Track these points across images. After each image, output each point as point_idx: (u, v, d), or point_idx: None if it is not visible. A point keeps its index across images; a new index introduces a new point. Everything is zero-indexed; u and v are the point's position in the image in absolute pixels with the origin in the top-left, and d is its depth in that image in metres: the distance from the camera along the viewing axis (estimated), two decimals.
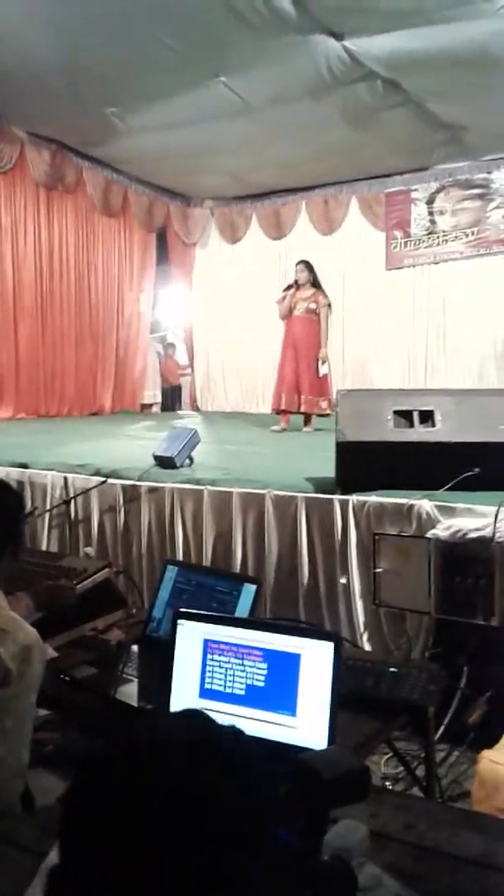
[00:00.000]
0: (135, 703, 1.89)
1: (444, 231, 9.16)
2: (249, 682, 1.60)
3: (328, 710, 1.51)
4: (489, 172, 8.79)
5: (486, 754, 2.38)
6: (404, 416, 3.46)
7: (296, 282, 7.02)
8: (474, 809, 2.22)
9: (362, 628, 3.38)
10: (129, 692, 1.95)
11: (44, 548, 4.12)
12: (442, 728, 2.86)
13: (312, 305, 6.94)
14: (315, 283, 7.04)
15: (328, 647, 1.54)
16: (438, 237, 9.20)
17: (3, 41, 5.89)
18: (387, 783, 2.76)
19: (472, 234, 8.98)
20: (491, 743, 2.48)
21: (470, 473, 3.16)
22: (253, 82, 6.52)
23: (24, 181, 8.35)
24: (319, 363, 6.88)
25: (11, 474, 4.25)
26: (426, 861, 1.30)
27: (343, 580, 3.44)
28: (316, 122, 7.28)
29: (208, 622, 1.67)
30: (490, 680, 2.96)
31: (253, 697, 1.59)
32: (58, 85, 6.67)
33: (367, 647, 3.31)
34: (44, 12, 5.56)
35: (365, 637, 3.37)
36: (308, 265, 7.08)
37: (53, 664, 1.92)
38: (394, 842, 1.33)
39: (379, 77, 6.39)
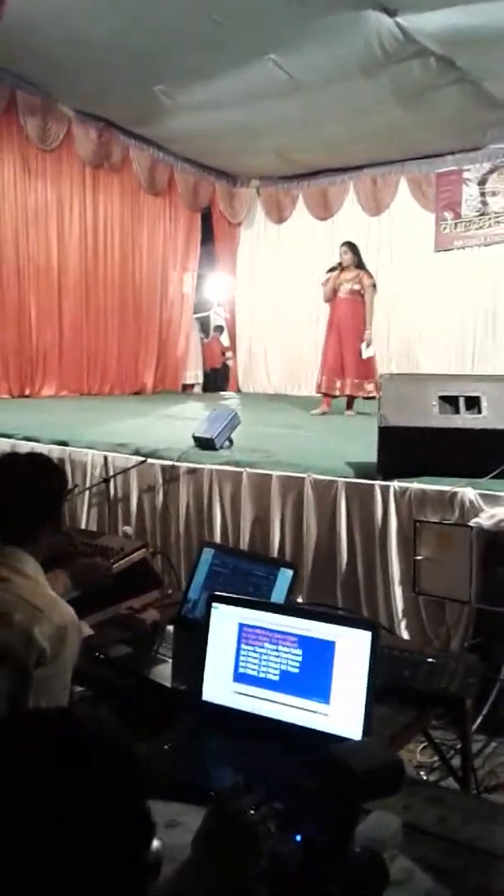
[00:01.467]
0: (168, 684, 1.88)
1: (495, 212, 8.95)
2: (283, 667, 1.58)
3: (363, 700, 1.49)
4: None
5: None
6: (449, 401, 3.39)
7: (339, 264, 6.93)
8: None
9: (400, 616, 3.34)
10: (163, 672, 1.95)
11: (83, 526, 4.15)
12: (479, 719, 2.83)
13: (357, 286, 6.84)
14: (360, 265, 6.94)
15: (365, 635, 1.51)
16: (490, 218, 9.00)
17: (51, 19, 5.88)
18: (421, 772, 2.74)
19: None
20: None
21: None
22: (303, 60, 6.43)
23: (71, 159, 8.38)
24: (364, 345, 6.78)
25: (53, 452, 4.28)
26: (459, 856, 1.28)
27: None
28: (367, 102, 7.16)
29: (243, 606, 1.66)
30: None
31: (286, 683, 1.58)
32: (106, 62, 6.65)
33: (405, 635, 3.28)
34: None
35: (403, 625, 3.34)
36: (352, 246, 6.98)
37: (88, 642, 1.92)
38: (427, 835, 1.31)
39: (432, 54, 6.25)
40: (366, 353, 6.78)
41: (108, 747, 0.82)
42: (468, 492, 3.12)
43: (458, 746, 2.42)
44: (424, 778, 2.65)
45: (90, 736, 0.83)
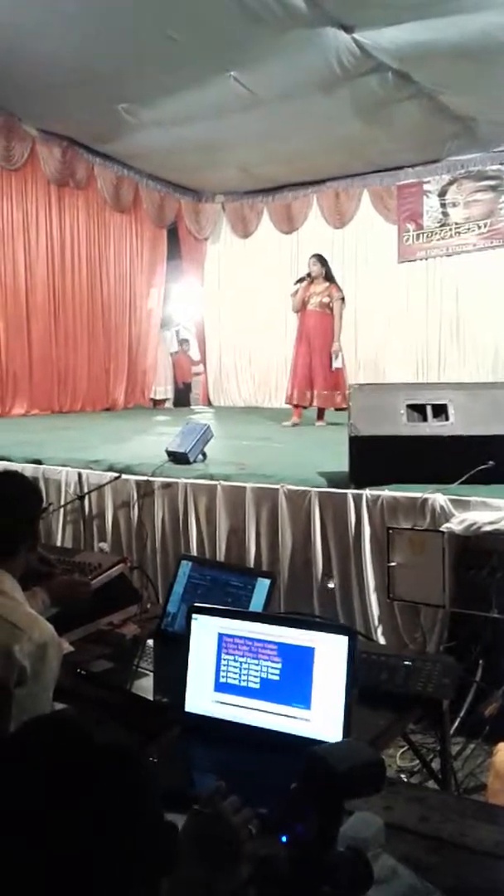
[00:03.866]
0: (150, 697, 1.90)
1: (456, 223, 9.11)
2: (264, 675, 1.61)
3: (343, 704, 1.52)
4: (501, 164, 8.73)
5: (502, 747, 2.38)
6: (417, 409, 3.45)
7: (308, 275, 7.01)
8: (490, 802, 2.22)
9: (376, 622, 3.38)
10: (145, 686, 1.96)
11: (58, 544, 4.14)
12: (457, 721, 2.87)
13: (326, 299, 6.92)
14: (328, 277, 7.02)
15: (342, 640, 1.55)
16: (451, 229, 9.15)
17: (13, 39, 5.91)
18: (402, 776, 2.77)
19: (485, 225, 8.93)
20: None
21: (484, 467, 3.16)
22: (263, 76, 6.51)
23: (36, 178, 8.36)
24: (333, 357, 6.86)
25: (26, 470, 4.27)
26: (441, 853, 1.30)
27: (331, 584, 3.45)
28: (327, 116, 7.26)
29: (223, 616, 1.68)
30: None
31: (268, 691, 1.60)
32: (68, 81, 6.66)
33: (382, 640, 3.32)
34: (54, 9, 5.56)
35: (379, 631, 3.38)
36: (321, 259, 7.06)
37: (69, 658, 1.93)
38: (409, 833, 1.34)
39: (389, 69, 6.36)
40: (335, 365, 6.86)
41: (115, 750, 0.83)
42: (438, 498, 3.18)
43: (438, 749, 2.45)
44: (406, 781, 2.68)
45: (94, 740, 0.83)
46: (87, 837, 0.73)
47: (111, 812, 0.76)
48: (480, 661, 2.99)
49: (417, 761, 2.71)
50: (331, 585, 3.45)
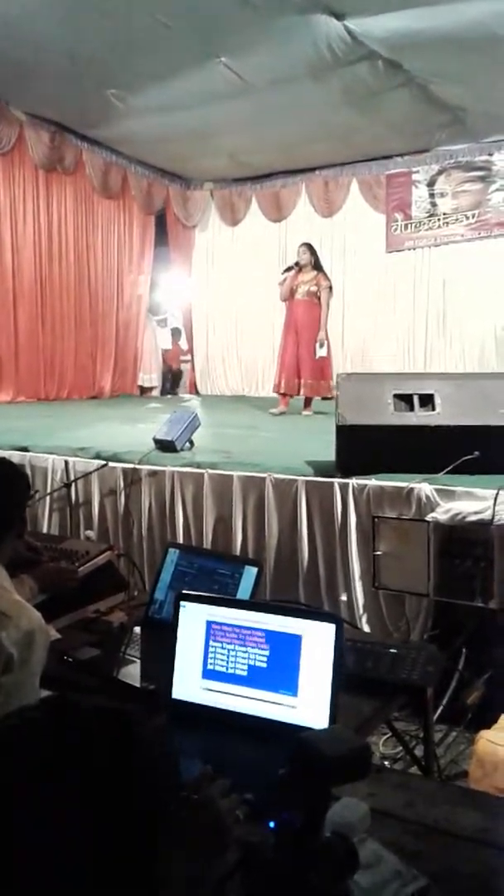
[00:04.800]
0: (137, 684, 1.90)
1: (444, 213, 9.12)
2: (252, 662, 1.62)
3: (329, 691, 1.53)
4: (490, 154, 8.75)
5: (485, 734, 2.41)
6: (404, 399, 3.46)
7: (297, 263, 7.01)
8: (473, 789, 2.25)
9: (361, 610, 3.40)
10: (132, 673, 1.97)
11: (44, 531, 4.13)
12: (440, 709, 2.90)
13: (314, 288, 6.92)
14: (317, 266, 7.02)
15: (330, 628, 1.56)
16: (439, 219, 9.16)
17: (1, 22, 5.83)
18: (385, 763, 2.79)
19: (473, 216, 8.95)
20: (489, 723, 2.51)
21: (469, 457, 3.18)
22: (253, 63, 6.48)
23: (24, 163, 8.30)
24: (317, 345, 6.87)
25: (13, 457, 4.25)
26: (426, 838, 1.32)
27: (343, 597, 3.44)
28: (316, 103, 7.24)
29: (211, 604, 1.69)
30: (488, 662, 2.99)
31: (255, 678, 1.61)
32: (57, 66, 6.61)
33: (367, 629, 3.34)
34: None
35: (364, 619, 3.40)
36: (310, 247, 7.06)
37: (56, 646, 1.93)
38: (394, 819, 1.35)
39: (380, 57, 6.34)
40: (319, 353, 6.87)
41: (114, 719, 0.84)
42: (424, 487, 3.19)
43: (421, 735, 2.48)
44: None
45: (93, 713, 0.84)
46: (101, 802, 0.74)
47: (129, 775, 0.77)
48: (463, 650, 3.01)
49: (400, 748, 2.74)
50: (343, 598, 3.46)
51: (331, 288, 7.03)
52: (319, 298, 6.94)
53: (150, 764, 0.81)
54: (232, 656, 1.63)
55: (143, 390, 10.60)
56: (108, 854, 0.74)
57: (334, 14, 5.71)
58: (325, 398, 6.82)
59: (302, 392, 6.92)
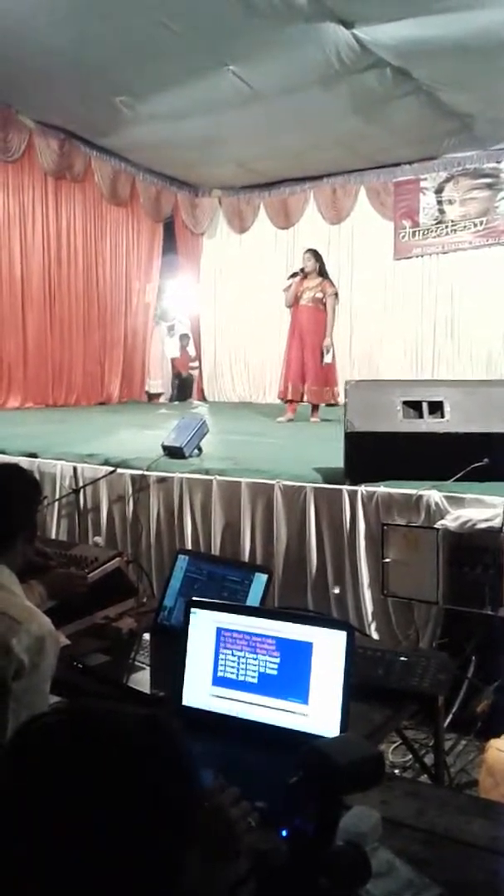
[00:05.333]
0: (147, 691, 1.90)
1: (452, 221, 9.12)
2: (262, 670, 1.61)
3: (340, 699, 1.53)
4: (498, 162, 8.75)
5: (494, 743, 2.39)
6: (413, 406, 3.46)
7: (302, 269, 7.01)
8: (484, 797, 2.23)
9: (370, 618, 3.39)
10: (142, 679, 1.97)
11: (53, 537, 4.13)
12: (450, 717, 2.88)
13: (319, 294, 6.93)
14: (322, 272, 7.03)
15: (341, 636, 1.55)
16: (447, 227, 9.16)
17: (11, 31, 5.87)
18: (395, 771, 2.78)
19: (481, 223, 8.95)
20: (499, 732, 2.49)
21: (479, 464, 3.17)
22: (261, 71, 6.50)
23: (33, 170, 8.34)
24: (324, 352, 6.87)
25: (21, 463, 4.26)
26: (437, 847, 1.32)
27: (336, 590, 3.45)
28: (325, 111, 7.25)
29: (221, 611, 1.68)
30: (498, 670, 2.97)
31: (265, 685, 1.61)
32: (66, 74, 6.65)
33: (375, 636, 3.33)
34: (52, 1, 5.54)
35: (373, 626, 3.39)
36: (316, 253, 7.07)
37: (66, 652, 1.93)
38: (405, 828, 1.35)
39: (388, 65, 6.35)
40: (325, 360, 6.88)
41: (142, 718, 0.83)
42: (433, 494, 3.18)
43: (431, 744, 2.46)
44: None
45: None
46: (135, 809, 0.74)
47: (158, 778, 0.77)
48: (473, 658, 3.00)
49: (410, 756, 2.72)
50: (336, 591, 3.45)
51: (336, 294, 7.04)
52: (324, 304, 6.94)
53: (179, 764, 0.80)
54: (242, 663, 1.63)
55: (151, 396, 10.62)
56: (135, 860, 0.73)
57: (343, 22, 5.73)
58: (329, 405, 6.82)
59: (306, 398, 6.92)
